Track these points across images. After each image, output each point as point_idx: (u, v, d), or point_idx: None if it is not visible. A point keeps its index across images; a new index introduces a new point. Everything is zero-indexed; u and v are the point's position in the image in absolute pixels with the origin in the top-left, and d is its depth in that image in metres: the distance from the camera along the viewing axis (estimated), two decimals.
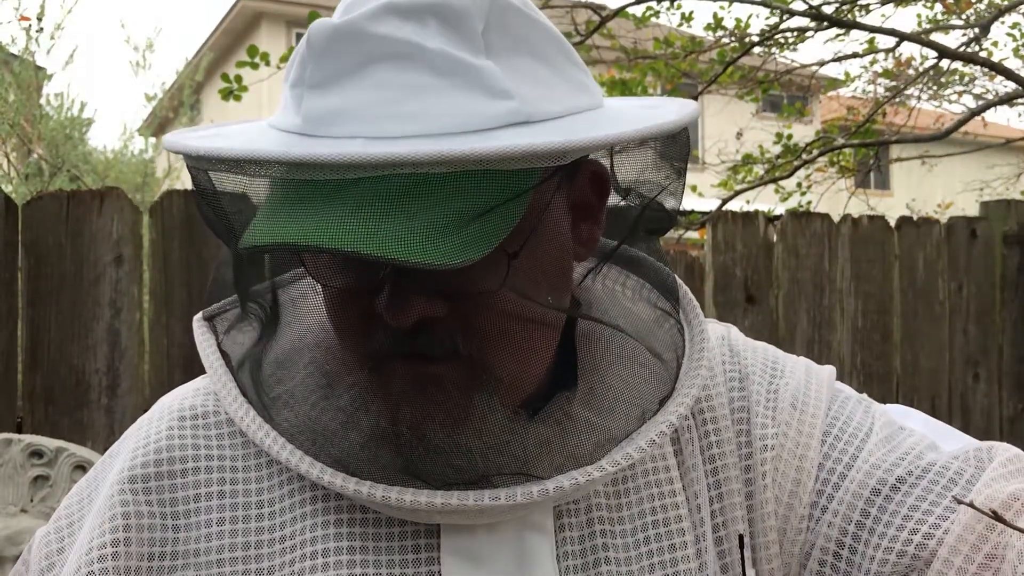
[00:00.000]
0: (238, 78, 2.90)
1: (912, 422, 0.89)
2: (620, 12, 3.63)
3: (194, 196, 0.75)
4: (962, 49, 3.74)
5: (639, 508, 0.80)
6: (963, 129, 3.88)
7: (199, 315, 0.84)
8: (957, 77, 4.96)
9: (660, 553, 0.78)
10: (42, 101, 7.10)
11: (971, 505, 0.53)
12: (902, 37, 3.47)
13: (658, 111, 0.77)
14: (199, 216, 2.02)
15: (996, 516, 0.48)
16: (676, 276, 0.88)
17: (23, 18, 5.82)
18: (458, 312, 0.70)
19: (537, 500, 0.71)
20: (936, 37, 4.08)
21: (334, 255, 0.64)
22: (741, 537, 0.81)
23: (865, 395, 0.92)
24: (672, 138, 0.76)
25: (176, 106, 8.71)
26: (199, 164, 0.69)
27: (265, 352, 0.80)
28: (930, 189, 13.00)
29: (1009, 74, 3.17)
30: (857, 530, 0.79)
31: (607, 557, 0.77)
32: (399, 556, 0.74)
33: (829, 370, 0.91)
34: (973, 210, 3.13)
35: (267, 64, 2.93)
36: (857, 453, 0.83)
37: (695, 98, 3.96)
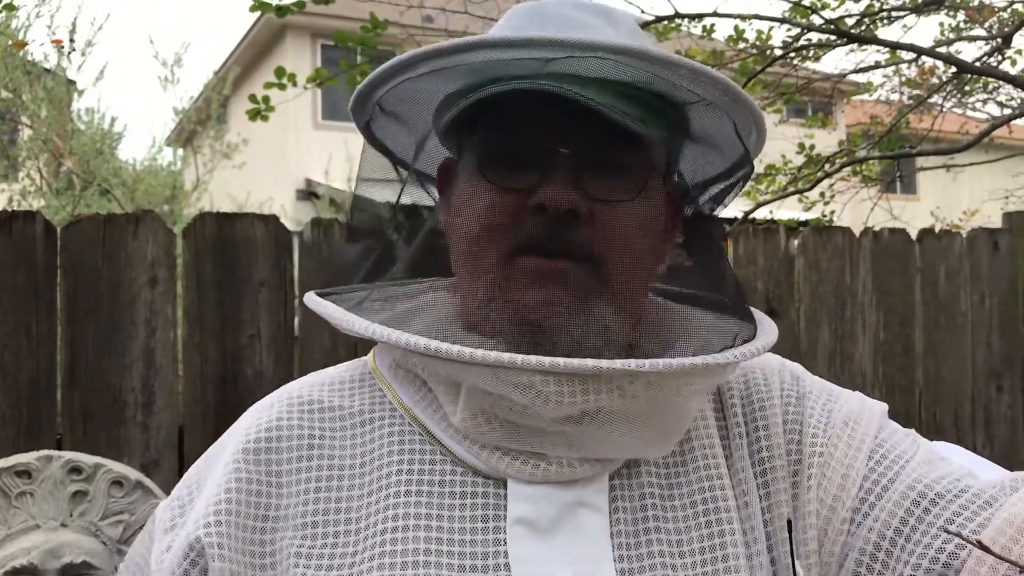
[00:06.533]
0: (265, 99, 2.96)
1: (955, 456, 0.98)
2: (642, 28, 3.65)
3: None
4: (984, 59, 3.74)
5: (691, 499, 0.89)
6: (991, 135, 3.87)
7: (311, 292, 0.97)
8: (981, 85, 4.95)
9: (711, 538, 0.87)
10: (73, 116, 7.22)
11: (958, 535, 0.56)
12: (919, 52, 3.47)
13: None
14: (232, 237, 2.03)
15: (980, 545, 0.51)
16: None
17: (55, 41, 5.93)
18: (594, 216, 0.85)
19: (662, 370, 0.80)
20: (959, 46, 4.08)
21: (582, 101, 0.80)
22: (789, 522, 0.89)
23: (912, 430, 1.00)
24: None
25: (204, 119, 8.82)
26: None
27: (392, 276, 0.97)
28: (957, 194, 12.90)
29: None
30: (895, 536, 0.86)
31: (659, 539, 0.85)
32: (470, 524, 0.84)
33: (882, 405, 1.00)
34: (1000, 216, 3.12)
35: (294, 85, 2.99)
36: (900, 471, 0.91)
37: None
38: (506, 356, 0.79)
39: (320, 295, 0.95)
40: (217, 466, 0.91)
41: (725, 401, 0.96)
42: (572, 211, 0.83)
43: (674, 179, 0.96)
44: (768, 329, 0.92)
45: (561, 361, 0.78)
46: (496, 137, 0.87)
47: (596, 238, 0.84)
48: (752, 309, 0.95)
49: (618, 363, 0.79)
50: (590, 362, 0.78)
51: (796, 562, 0.87)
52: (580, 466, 0.84)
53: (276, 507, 0.87)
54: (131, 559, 0.95)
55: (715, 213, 0.96)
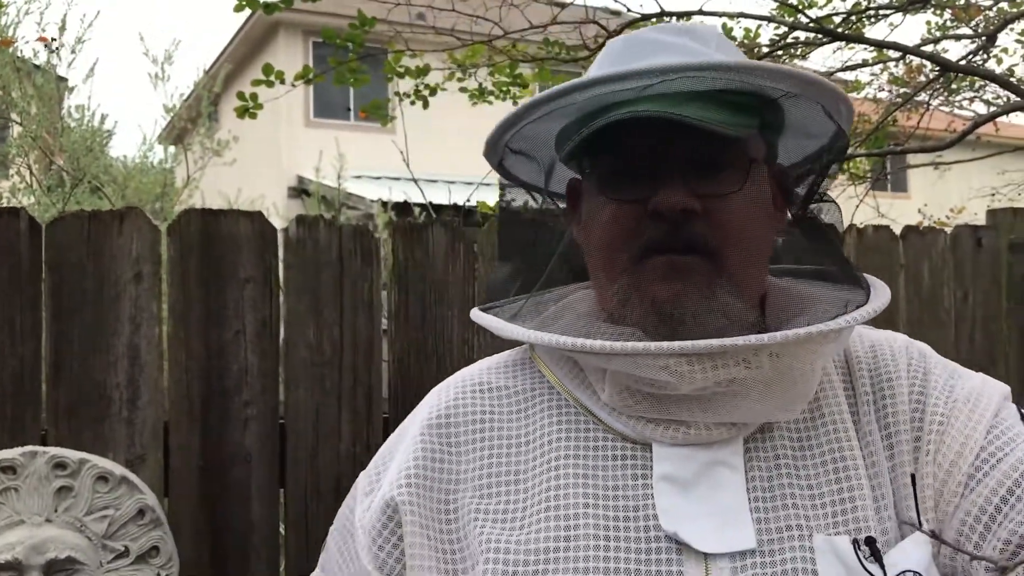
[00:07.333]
0: (253, 96, 2.96)
1: None
2: (630, 26, 3.68)
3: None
4: (969, 57, 3.76)
5: (821, 458, 0.99)
6: (977, 132, 3.89)
7: (476, 308, 1.14)
8: (968, 83, 4.97)
9: (841, 492, 0.96)
10: (63, 113, 7.19)
11: (914, 525, 0.58)
12: (905, 51, 3.49)
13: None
14: (217, 233, 2.04)
15: (933, 535, 0.53)
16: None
17: (42, 39, 5.92)
18: (707, 211, 0.96)
19: (780, 341, 0.92)
20: (945, 45, 4.11)
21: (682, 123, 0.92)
22: (913, 476, 0.99)
23: None
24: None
25: (195, 116, 8.80)
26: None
27: (541, 287, 1.12)
28: (946, 191, 12.95)
29: (1009, 86, 3.18)
30: (1001, 503, 0.95)
31: (792, 493, 0.95)
32: (621, 481, 0.97)
33: (1004, 386, 1.08)
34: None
35: (282, 82, 2.99)
36: (1016, 447, 0.99)
37: None
38: (641, 345, 0.92)
39: (483, 310, 1.13)
40: (405, 440, 1.09)
41: (854, 372, 1.07)
42: (685, 210, 0.95)
43: (776, 163, 1.08)
44: (880, 294, 1.02)
45: (689, 344, 0.91)
46: (610, 160, 1.01)
47: (711, 230, 0.96)
48: (866, 276, 1.06)
49: (740, 340, 0.91)
50: (715, 341, 0.90)
51: (920, 515, 0.96)
52: (716, 429, 0.96)
53: (456, 472, 1.04)
54: (338, 522, 1.13)
55: (822, 189, 1.08)
